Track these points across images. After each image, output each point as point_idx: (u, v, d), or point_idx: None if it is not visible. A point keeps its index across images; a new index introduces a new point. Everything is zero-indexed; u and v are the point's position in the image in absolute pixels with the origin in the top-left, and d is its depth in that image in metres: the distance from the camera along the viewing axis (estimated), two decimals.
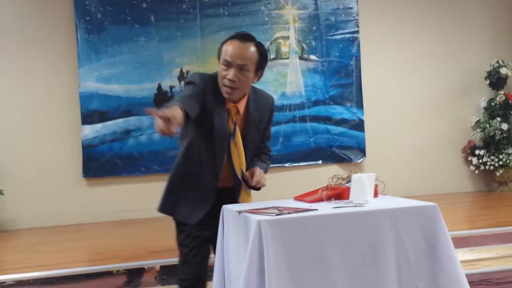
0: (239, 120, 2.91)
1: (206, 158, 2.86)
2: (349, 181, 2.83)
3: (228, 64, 2.79)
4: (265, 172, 2.96)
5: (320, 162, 7.98)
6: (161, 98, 7.51)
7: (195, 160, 2.88)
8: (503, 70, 8.16)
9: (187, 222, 2.89)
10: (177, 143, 3.02)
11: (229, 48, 2.79)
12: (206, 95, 2.81)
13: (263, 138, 3.07)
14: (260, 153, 3.07)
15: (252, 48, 2.82)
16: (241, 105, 2.91)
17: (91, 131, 7.34)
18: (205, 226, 2.87)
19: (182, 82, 7.53)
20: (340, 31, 8.10)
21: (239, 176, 2.88)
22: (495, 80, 8.26)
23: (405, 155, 8.23)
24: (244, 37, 2.85)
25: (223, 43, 2.86)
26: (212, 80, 2.86)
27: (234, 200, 2.89)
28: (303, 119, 7.94)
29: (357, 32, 8.14)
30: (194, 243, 2.87)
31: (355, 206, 2.52)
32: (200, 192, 2.88)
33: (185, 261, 2.89)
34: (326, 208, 2.51)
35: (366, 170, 7.73)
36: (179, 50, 7.56)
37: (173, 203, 2.95)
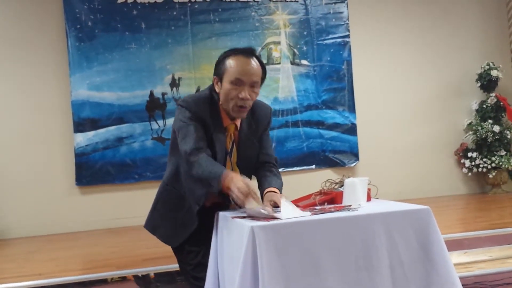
0: (235, 137, 2.87)
1: (197, 188, 2.80)
2: (342, 185, 2.83)
3: (241, 83, 2.70)
4: (281, 188, 2.85)
5: (313, 166, 7.99)
6: (153, 105, 7.50)
7: (182, 180, 2.84)
8: (494, 73, 8.19)
9: (167, 244, 2.89)
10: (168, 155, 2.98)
11: (238, 66, 2.70)
12: (205, 118, 2.74)
13: (266, 148, 3.00)
14: (270, 164, 2.98)
15: (256, 62, 2.76)
16: (239, 121, 2.87)
17: (83, 139, 7.32)
18: (200, 241, 2.85)
19: (174, 89, 7.53)
20: (331, 36, 8.13)
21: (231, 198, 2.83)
22: (486, 83, 8.30)
23: (398, 159, 8.25)
24: (247, 52, 2.76)
25: (223, 57, 2.77)
26: (205, 103, 2.79)
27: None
28: (295, 124, 7.95)
29: (347, 36, 8.17)
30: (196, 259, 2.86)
31: (348, 210, 2.52)
32: (184, 214, 2.84)
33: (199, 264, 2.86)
34: (319, 213, 2.51)
35: (359, 174, 7.74)
36: (170, 56, 7.55)
37: (155, 221, 2.93)
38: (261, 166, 2.96)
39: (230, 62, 2.71)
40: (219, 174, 2.54)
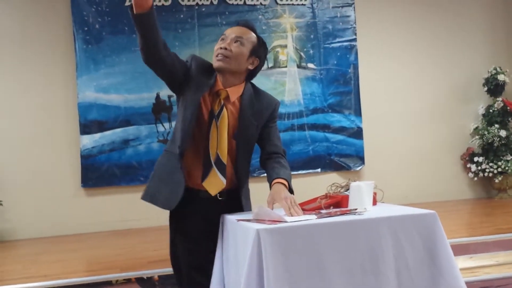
0: (232, 114, 2.86)
1: (178, 137, 2.86)
2: (348, 189, 2.83)
3: (224, 38, 2.86)
4: (290, 178, 2.85)
5: (319, 170, 7.98)
6: (160, 107, 7.52)
7: (177, 142, 2.85)
8: (501, 77, 8.18)
9: (164, 208, 2.85)
10: None
11: (228, 29, 2.89)
12: (194, 72, 2.84)
13: (274, 139, 2.99)
14: (278, 155, 2.96)
15: (251, 33, 2.90)
16: (233, 93, 2.87)
17: (89, 141, 7.33)
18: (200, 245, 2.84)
19: None
20: (337, 39, 8.13)
21: (212, 160, 2.80)
22: (493, 87, 8.28)
23: (404, 163, 8.23)
24: (245, 24, 2.93)
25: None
26: (205, 64, 2.91)
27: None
28: (301, 127, 7.95)
29: (354, 40, 8.17)
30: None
31: (354, 214, 2.52)
32: (172, 173, 2.83)
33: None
34: (325, 216, 2.50)
35: (364, 178, 7.73)
36: None
37: (154, 188, 2.92)
38: (269, 157, 2.95)
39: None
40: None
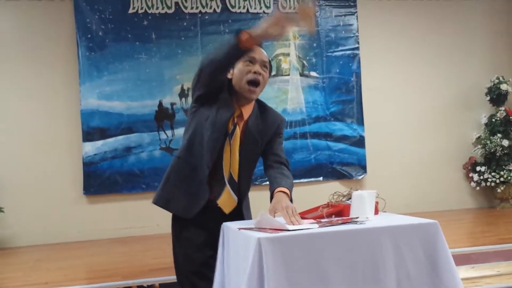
0: (240, 128, 2.89)
1: (206, 153, 2.83)
2: (350, 198, 2.83)
3: (253, 61, 2.85)
4: (291, 188, 2.87)
5: (321, 178, 7.98)
6: (162, 115, 7.53)
7: (196, 152, 2.85)
8: (504, 86, 8.18)
9: (182, 216, 2.86)
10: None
11: (254, 52, 2.84)
12: (214, 93, 2.84)
13: (277, 149, 3.01)
14: (281, 165, 2.98)
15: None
16: (246, 112, 2.91)
17: (92, 148, 7.34)
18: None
19: (183, 99, 7.55)
20: (340, 48, 8.14)
21: (226, 179, 2.86)
22: (496, 96, 8.28)
23: (406, 172, 8.22)
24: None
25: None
26: (222, 82, 2.88)
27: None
28: (303, 135, 7.95)
29: (357, 48, 8.18)
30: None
31: (356, 223, 2.52)
32: (197, 184, 2.84)
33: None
34: (326, 225, 2.50)
35: (367, 187, 7.73)
36: (180, 67, 7.58)
37: (168, 194, 2.91)
38: (271, 167, 2.97)
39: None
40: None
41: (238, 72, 2.85)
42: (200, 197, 2.83)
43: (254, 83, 2.83)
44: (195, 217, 2.84)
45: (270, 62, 2.96)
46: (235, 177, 2.88)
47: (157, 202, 2.95)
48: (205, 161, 2.82)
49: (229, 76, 2.89)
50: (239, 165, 2.89)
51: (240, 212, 2.93)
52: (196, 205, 2.83)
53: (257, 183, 6.78)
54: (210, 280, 2.77)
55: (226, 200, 2.87)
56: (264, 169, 3.00)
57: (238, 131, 2.87)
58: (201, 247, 2.85)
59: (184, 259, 2.88)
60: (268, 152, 2.99)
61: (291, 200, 2.77)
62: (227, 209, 2.87)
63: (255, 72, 2.82)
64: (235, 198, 2.89)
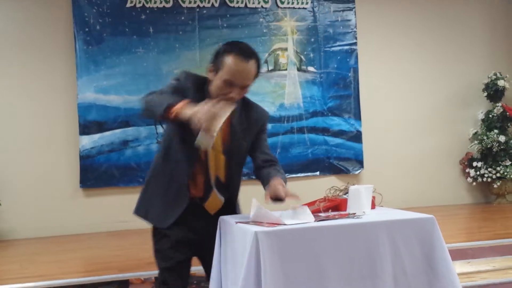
0: (222, 129, 2.72)
1: (182, 159, 2.77)
2: (347, 192, 2.83)
3: (232, 85, 2.65)
4: (285, 182, 2.80)
5: (317, 173, 7.99)
6: None
7: (172, 161, 2.80)
8: (501, 82, 8.19)
9: (157, 226, 2.84)
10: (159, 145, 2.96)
11: (234, 68, 2.63)
12: (188, 92, 2.69)
13: (264, 147, 2.95)
14: (271, 162, 2.92)
15: (254, 66, 2.69)
16: None
17: (89, 141, 7.33)
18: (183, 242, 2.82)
19: None
20: (338, 43, 8.14)
21: (213, 183, 2.79)
22: (493, 92, 8.29)
23: (403, 167, 8.24)
24: (248, 54, 2.69)
25: (224, 51, 2.70)
26: (199, 80, 2.78)
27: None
28: (301, 130, 7.95)
29: (355, 44, 8.18)
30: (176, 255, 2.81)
31: (353, 218, 2.52)
32: (174, 193, 2.79)
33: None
34: (323, 219, 2.51)
35: (363, 182, 7.74)
36: (177, 61, 7.57)
37: (147, 205, 2.90)
38: (263, 165, 2.91)
39: (229, 61, 2.64)
40: (174, 101, 2.51)
41: (215, 87, 2.69)
42: (177, 205, 2.79)
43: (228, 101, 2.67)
44: (182, 218, 2.79)
45: (259, 69, 2.74)
46: (222, 179, 2.82)
47: (137, 212, 2.94)
48: (183, 169, 2.76)
49: (210, 76, 2.75)
50: (227, 164, 2.84)
51: (228, 212, 2.88)
52: (171, 215, 2.79)
53: (253, 177, 6.76)
54: (183, 279, 2.80)
55: (213, 202, 2.83)
56: (255, 169, 2.95)
57: (219, 133, 2.70)
58: (180, 246, 2.81)
59: (162, 256, 2.84)
60: (256, 150, 2.93)
61: None
62: (213, 211, 2.84)
63: (232, 98, 2.65)
64: (222, 198, 2.85)
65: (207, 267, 2.85)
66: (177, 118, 2.48)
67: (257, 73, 2.73)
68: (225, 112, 2.47)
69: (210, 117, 2.39)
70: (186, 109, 2.45)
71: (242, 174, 2.98)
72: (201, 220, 2.83)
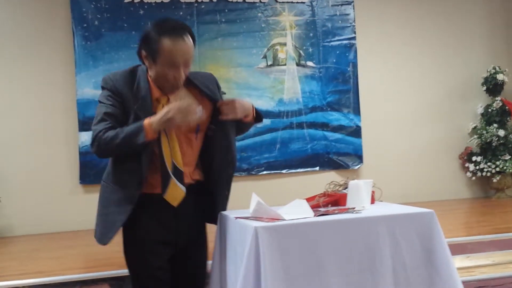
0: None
1: (132, 163, 2.65)
2: (346, 187, 2.83)
3: (176, 65, 2.59)
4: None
5: (317, 168, 7.98)
6: None
7: (121, 168, 2.72)
8: (500, 76, 8.18)
9: (99, 243, 2.77)
10: None
11: (173, 49, 2.57)
12: (123, 96, 2.65)
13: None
14: None
15: (189, 39, 2.63)
16: (174, 95, 2.71)
17: (88, 137, 7.31)
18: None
19: None
20: (337, 38, 8.12)
21: (170, 169, 2.64)
22: (492, 87, 8.28)
23: (402, 162, 8.23)
24: (180, 30, 2.62)
25: (155, 34, 2.61)
26: (125, 76, 2.73)
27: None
28: (300, 125, 7.93)
29: (354, 38, 8.16)
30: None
31: (352, 212, 2.52)
32: (114, 208, 2.72)
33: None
34: (323, 214, 2.51)
35: (363, 177, 7.73)
36: None
37: (98, 226, 2.84)
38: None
39: (165, 44, 2.57)
40: (140, 124, 2.52)
41: (158, 74, 2.64)
42: (116, 221, 2.71)
43: (177, 87, 2.66)
44: (151, 215, 2.72)
45: (194, 41, 2.69)
46: (180, 166, 2.67)
47: (95, 236, 2.86)
48: (137, 176, 2.64)
49: (146, 63, 2.70)
50: (211, 137, 2.77)
51: (206, 198, 2.81)
52: (111, 230, 2.73)
53: (253, 173, 6.78)
54: (166, 284, 2.72)
55: (173, 192, 2.67)
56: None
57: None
58: (159, 249, 2.73)
59: (138, 262, 2.79)
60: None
61: (258, 116, 2.83)
62: (175, 202, 2.68)
63: (178, 79, 2.62)
64: (183, 188, 2.68)
65: (188, 265, 2.80)
66: (155, 135, 2.54)
67: (194, 43, 2.68)
68: (191, 100, 2.57)
69: (184, 113, 2.49)
70: (156, 122, 2.51)
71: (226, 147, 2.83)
72: (166, 214, 2.72)
